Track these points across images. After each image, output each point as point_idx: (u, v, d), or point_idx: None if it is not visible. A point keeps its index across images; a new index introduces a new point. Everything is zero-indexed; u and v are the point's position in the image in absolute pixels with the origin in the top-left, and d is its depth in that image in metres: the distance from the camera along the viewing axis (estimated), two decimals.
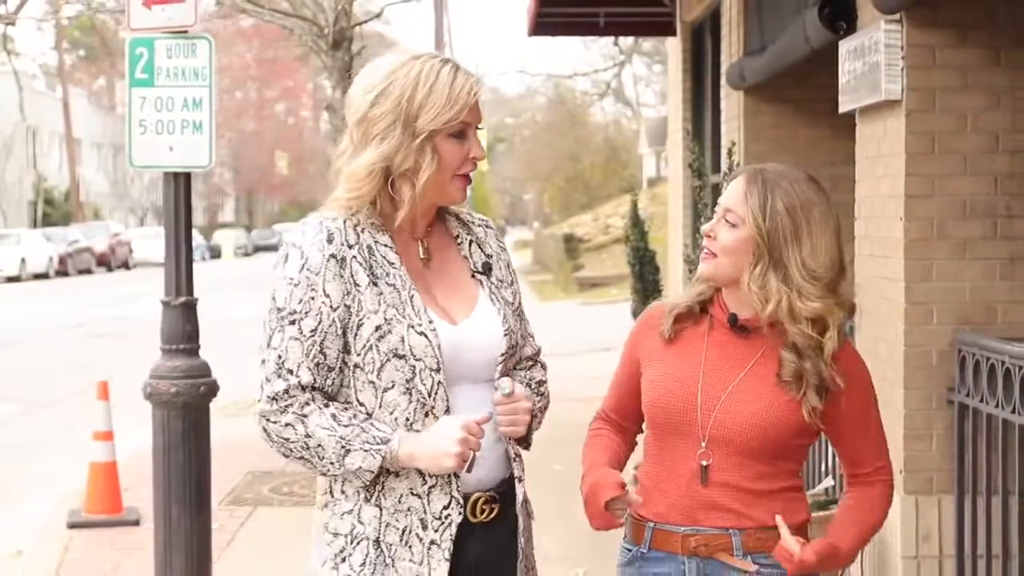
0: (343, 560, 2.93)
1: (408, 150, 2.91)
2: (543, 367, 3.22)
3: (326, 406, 2.87)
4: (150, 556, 6.61)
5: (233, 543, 7.95)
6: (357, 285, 2.89)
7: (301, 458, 2.89)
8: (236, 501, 9.02)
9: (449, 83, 2.93)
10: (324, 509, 2.98)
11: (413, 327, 2.88)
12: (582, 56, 65.96)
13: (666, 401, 3.09)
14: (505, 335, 3.03)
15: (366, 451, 2.85)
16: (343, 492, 2.95)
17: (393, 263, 2.94)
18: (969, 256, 5.59)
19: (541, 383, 3.18)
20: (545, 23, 11.95)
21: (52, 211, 56.94)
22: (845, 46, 6.18)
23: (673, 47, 12.41)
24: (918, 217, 5.59)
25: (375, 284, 2.90)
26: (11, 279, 40.75)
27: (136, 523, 8.40)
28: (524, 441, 3.09)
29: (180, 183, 6.04)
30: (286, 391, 2.86)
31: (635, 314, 10.48)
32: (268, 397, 2.87)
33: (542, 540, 7.84)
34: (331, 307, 2.87)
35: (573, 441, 11.48)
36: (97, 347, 19.68)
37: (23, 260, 41.84)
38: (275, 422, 2.87)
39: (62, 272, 43.82)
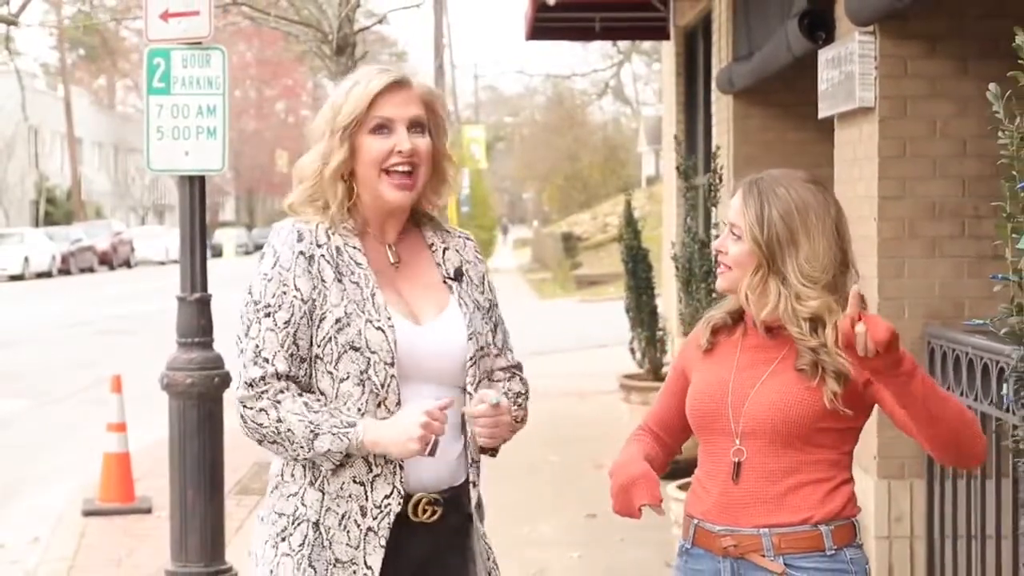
0: (283, 540, 3.08)
1: (334, 148, 3.11)
2: (523, 382, 3.31)
3: (299, 395, 3.03)
4: (163, 542, 6.93)
5: (242, 530, 8.26)
6: (323, 281, 3.06)
7: (274, 443, 3.03)
8: (243, 491, 9.34)
9: (367, 83, 3.12)
10: (273, 492, 3.14)
11: (371, 322, 3.05)
12: (581, 56, 66.22)
13: (701, 405, 3.19)
14: (469, 339, 3.16)
15: (334, 435, 2.99)
16: (292, 475, 3.11)
17: (360, 263, 3.11)
18: (939, 254, 5.92)
19: (520, 395, 3.27)
20: (542, 27, 12.24)
21: (54, 210, 57.20)
22: (824, 55, 6.51)
23: (667, 51, 12.71)
24: (890, 217, 5.93)
25: (340, 281, 3.07)
26: (14, 278, 41.02)
27: (148, 511, 8.73)
28: (492, 450, 3.19)
29: (195, 186, 6.37)
30: (262, 378, 3.03)
31: (628, 311, 10.79)
32: (245, 383, 3.04)
33: (540, 526, 8.23)
34: (302, 300, 3.04)
35: (569, 435, 11.84)
36: (101, 345, 19.97)
37: (26, 259, 42.11)
38: (250, 408, 3.02)
39: (65, 271, 44.11)
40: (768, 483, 3.11)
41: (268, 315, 3.05)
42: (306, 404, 3.02)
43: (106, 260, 48.21)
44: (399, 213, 3.20)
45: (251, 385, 3.03)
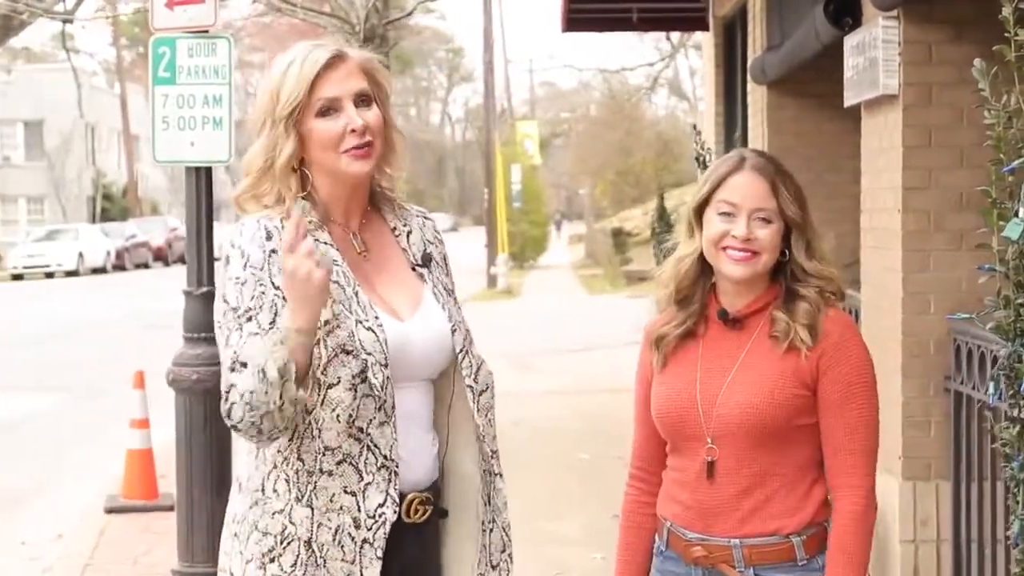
0: (272, 560, 2.88)
1: (279, 139, 2.91)
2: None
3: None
4: None
5: None
6: None
7: (264, 417, 2.74)
8: None
9: (301, 64, 2.92)
10: (253, 507, 2.92)
11: (361, 323, 2.86)
12: (638, 49, 65.85)
13: (668, 409, 3.11)
14: (454, 330, 3.00)
15: (272, 354, 2.73)
16: (275, 490, 2.90)
17: (335, 260, 2.90)
18: (965, 247, 5.70)
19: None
20: (577, 19, 12.02)
21: (111, 206, 57.55)
22: (849, 42, 6.30)
23: (706, 42, 12.49)
24: (915, 209, 5.71)
25: None
26: (69, 273, 41.33)
27: (171, 508, 8.55)
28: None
29: (201, 177, 6.26)
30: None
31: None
32: (224, 392, 2.79)
33: (564, 524, 8.06)
34: (283, 299, 2.81)
35: (601, 432, 11.66)
36: (146, 340, 19.98)
37: (81, 255, 42.39)
38: (230, 408, 2.77)
39: (119, 267, 44.37)
40: (741, 488, 3.05)
41: (250, 319, 2.82)
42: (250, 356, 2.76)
43: (161, 256, 48.42)
44: (360, 192, 3.02)
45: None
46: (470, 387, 3.00)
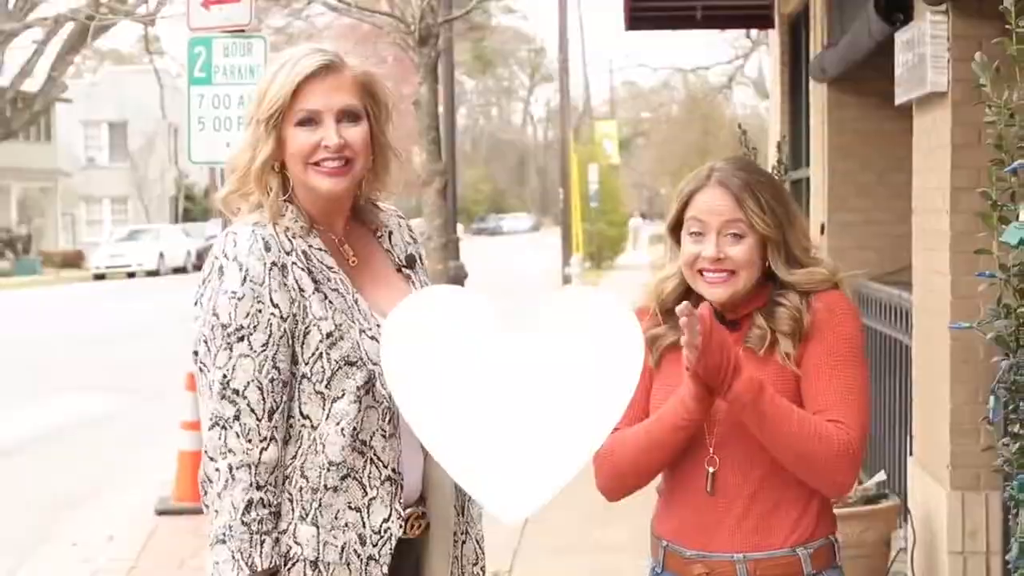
0: None
1: (260, 140, 2.84)
2: None
3: (260, 487, 2.72)
4: None
5: None
6: (302, 291, 2.77)
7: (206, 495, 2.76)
8: None
9: (291, 68, 2.82)
10: None
11: (364, 332, 2.79)
12: (718, 47, 65.36)
13: None
14: None
15: (234, 559, 2.71)
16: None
17: (331, 267, 2.84)
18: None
19: None
20: (640, 17, 11.87)
21: (192, 206, 58.09)
22: (900, 38, 6.14)
23: (773, 39, 12.30)
24: (964, 210, 5.52)
25: (319, 290, 2.79)
26: (151, 273, 41.80)
27: None
28: None
29: None
30: (236, 416, 2.72)
31: None
32: (211, 423, 2.72)
33: (614, 531, 7.94)
34: (281, 318, 2.74)
35: None
36: None
37: (161, 255, 42.86)
38: (212, 458, 2.71)
39: (199, 266, 44.36)
40: (745, 495, 2.90)
41: (241, 339, 2.72)
42: (249, 502, 2.70)
43: None
44: (339, 204, 2.92)
45: (222, 427, 2.70)
46: None
